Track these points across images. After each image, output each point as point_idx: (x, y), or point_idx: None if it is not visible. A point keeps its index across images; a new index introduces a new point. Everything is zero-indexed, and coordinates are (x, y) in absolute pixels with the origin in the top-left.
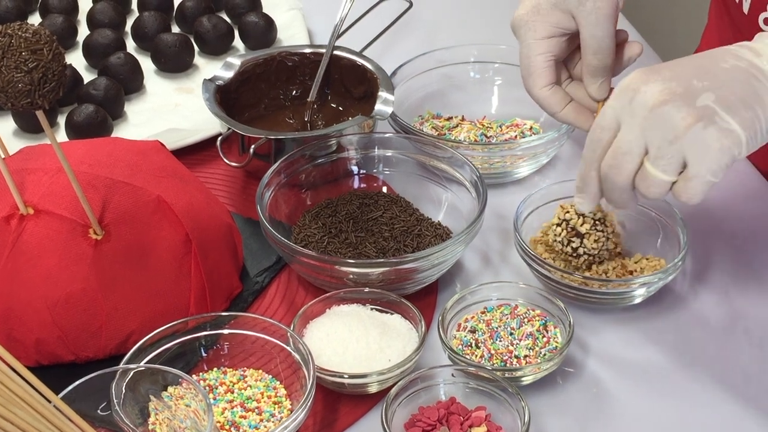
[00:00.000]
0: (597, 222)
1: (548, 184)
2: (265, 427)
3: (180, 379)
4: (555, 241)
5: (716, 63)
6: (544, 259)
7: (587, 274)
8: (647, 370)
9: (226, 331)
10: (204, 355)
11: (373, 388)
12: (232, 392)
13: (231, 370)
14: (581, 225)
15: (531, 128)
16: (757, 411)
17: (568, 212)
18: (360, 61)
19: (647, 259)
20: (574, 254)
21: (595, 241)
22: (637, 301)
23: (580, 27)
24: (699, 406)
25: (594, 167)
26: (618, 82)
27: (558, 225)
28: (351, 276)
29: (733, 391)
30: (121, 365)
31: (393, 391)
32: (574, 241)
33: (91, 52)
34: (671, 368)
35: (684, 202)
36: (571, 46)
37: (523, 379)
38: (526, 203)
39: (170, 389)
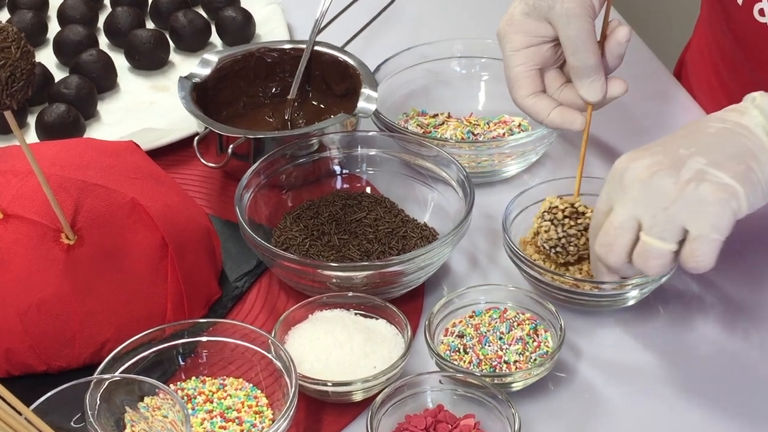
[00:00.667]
0: (578, 215)
1: (538, 182)
2: None
3: (157, 389)
4: (544, 239)
5: (701, 130)
6: (534, 260)
7: (578, 275)
8: (642, 374)
9: (204, 339)
10: (182, 363)
11: (358, 396)
12: (212, 402)
13: (210, 379)
14: (564, 219)
15: (519, 125)
16: (757, 415)
17: (554, 206)
18: (342, 56)
19: None
20: (562, 251)
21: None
22: (631, 303)
23: (557, 30)
24: (696, 411)
25: None
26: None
27: (543, 219)
28: (334, 280)
29: (731, 394)
30: (95, 375)
31: (378, 398)
32: (562, 238)
33: (61, 49)
34: (666, 372)
35: (695, 268)
36: (559, 51)
37: (513, 385)
38: (515, 203)
39: (147, 400)
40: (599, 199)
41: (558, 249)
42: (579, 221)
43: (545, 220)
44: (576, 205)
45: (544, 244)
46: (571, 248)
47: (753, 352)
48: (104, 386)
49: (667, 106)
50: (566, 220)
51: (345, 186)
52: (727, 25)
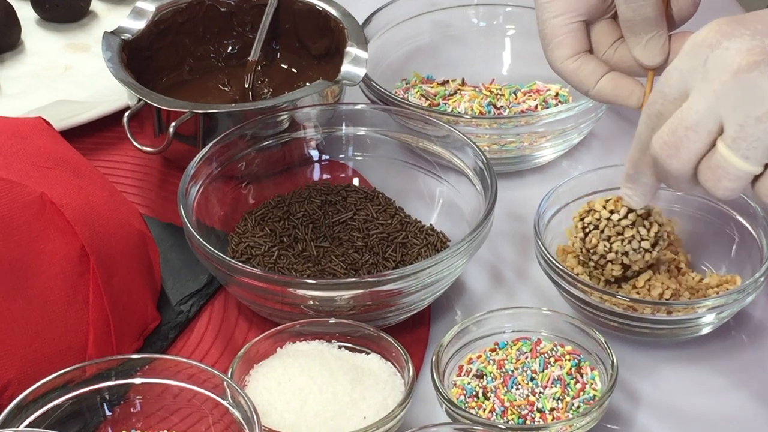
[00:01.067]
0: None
1: (581, 171)
2: None
3: None
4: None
5: None
6: (578, 275)
7: (635, 294)
8: (719, 424)
9: (138, 381)
10: (108, 413)
11: None
12: None
13: None
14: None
15: (557, 95)
16: None
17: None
18: (320, 4)
19: (716, 274)
20: (597, 261)
21: (626, 241)
22: (705, 331)
23: None
24: None
25: (649, 151)
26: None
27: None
28: (311, 302)
29: None
30: None
31: None
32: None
33: None
34: (752, 422)
35: None
36: None
37: None
38: (551, 198)
39: None
40: (666, 76)
41: (607, 260)
42: (641, 229)
43: (586, 225)
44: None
45: (591, 255)
46: (631, 258)
47: None
48: None
49: None
50: (619, 223)
51: (325, 177)
52: None
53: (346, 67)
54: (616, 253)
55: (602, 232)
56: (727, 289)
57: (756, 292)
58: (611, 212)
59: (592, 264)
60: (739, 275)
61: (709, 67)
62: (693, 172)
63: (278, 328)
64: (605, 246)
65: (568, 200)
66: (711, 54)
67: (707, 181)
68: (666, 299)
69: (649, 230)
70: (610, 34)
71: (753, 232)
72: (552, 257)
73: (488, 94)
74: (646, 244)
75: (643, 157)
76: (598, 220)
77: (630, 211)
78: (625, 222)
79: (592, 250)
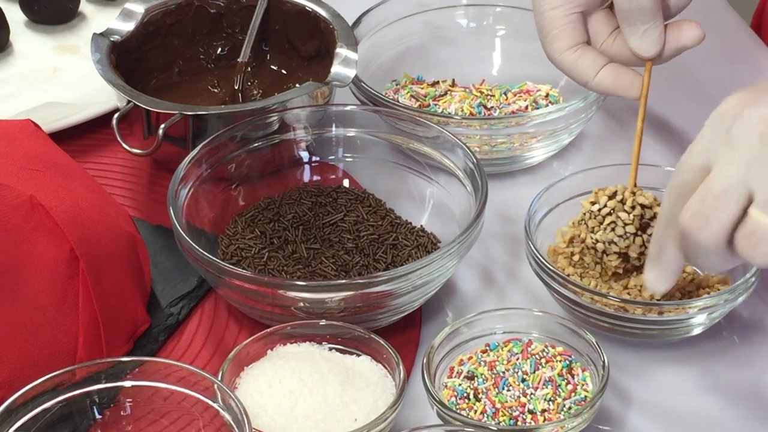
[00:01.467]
0: (642, 215)
1: (572, 172)
2: None
3: None
4: (589, 226)
5: None
6: (569, 275)
7: (626, 295)
8: (710, 425)
9: (128, 384)
10: (98, 416)
11: None
12: None
13: None
14: (619, 214)
15: (547, 95)
16: None
17: (595, 203)
18: (310, 5)
19: (707, 274)
20: (594, 256)
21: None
22: (696, 332)
23: None
24: None
25: (674, 225)
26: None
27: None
28: (301, 304)
29: None
30: None
31: None
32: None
33: None
34: (742, 423)
35: None
36: None
37: None
38: (542, 199)
39: None
40: (690, 151)
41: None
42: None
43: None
44: (637, 194)
45: (595, 245)
46: (619, 245)
47: None
48: None
49: (743, 68)
50: (599, 212)
51: (315, 178)
52: None
53: (336, 69)
54: (604, 243)
55: (587, 224)
56: (719, 290)
57: (747, 292)
58: (592, 203)
59: (594, 261)
60: (730, 275)
61: (733, 135)
62: (722, 244)
63: (268, 330)
64: (591, 238)
65: (559, 201)
66: (734, 123)
67: (744, 249)
68: (657, 300)
69: (630, 213)
70: (608, 24)
71: None
72: (543, 258)
73: (478, 94)
74: (630, 228)
75: (667, 231)
76: (584, 214)
77: (610, 198)
78: (605, 210)
79: (588, 246)
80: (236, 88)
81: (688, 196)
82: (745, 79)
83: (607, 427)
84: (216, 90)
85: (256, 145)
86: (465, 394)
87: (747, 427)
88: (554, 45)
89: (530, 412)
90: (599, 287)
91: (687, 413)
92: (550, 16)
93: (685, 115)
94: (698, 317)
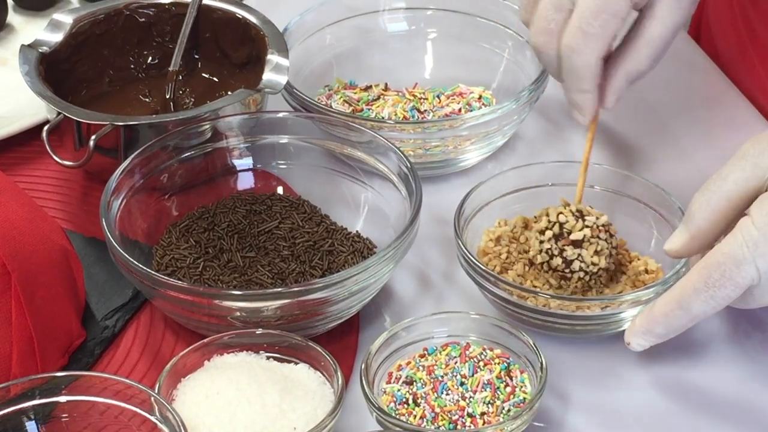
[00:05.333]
0: (600, 228)
1: (503, 170)
2: None
3: None
4: (541, 251)
5: None
6: (499, 273)
7: (557, 292)
8: (646, 421)
9: (63, 399)
10: None
11: None
12: None
13: None
14: (579, 230)
15: (480, 97)
16: None
17: (561, 213)
18: (240, 12)
19: (645, 257)
20: (567, 271)
21: (597, 253)
22: (627, 326)
23: None
24: None
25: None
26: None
27: (546, 229)
28: (238, 313)
29: None
30: None
31: None
32: (567, 252)
33: None
34: (679, 415)
35: None
36: None
37: None
38: (472, 198)
39: None
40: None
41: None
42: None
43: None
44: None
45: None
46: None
47: None
48: None
49: (683, 73)
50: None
51: (249, 186)
52: None
53: (268, 75)
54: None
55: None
56: (649, 283)
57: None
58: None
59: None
60: (662, 267)
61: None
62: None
63: (205, 340)
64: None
65: (489, 199)
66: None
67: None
68: (584, 295)
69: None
70: None
71: (670, 224)
72: (472, 257)
73: (411, 98)
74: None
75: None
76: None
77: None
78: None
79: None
80: (168, 97)
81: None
82: (685, 86)
83: (545, 425)
84: (147, 99)
85: (188, 154)
86: (404, 400)
87: (686, 419)
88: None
89: (469, 415)
90: (531, 284)
91: (626, 409)
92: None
93: (625, 120)
94: (629, 311)
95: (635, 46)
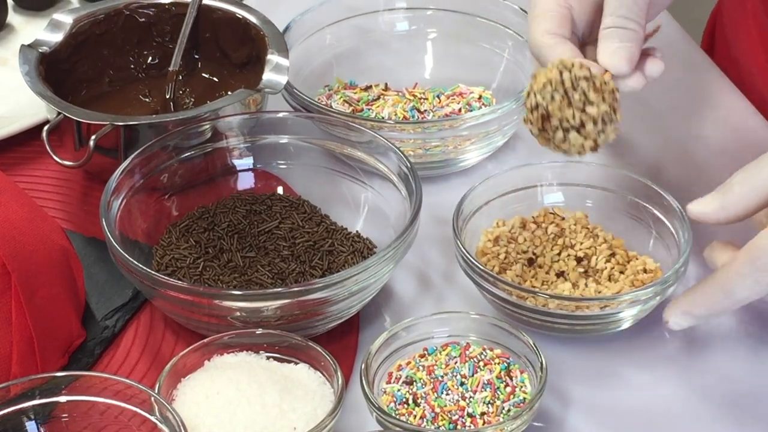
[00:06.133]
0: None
1: (503, 170)
2: None
3: None
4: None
5: None
6: (497, 274)
7: (544, 289)
8: (645, 420)
9: (63, 399)
10: None
11: None
12: None
13: None
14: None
15: (480, 97)
16: None
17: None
18: (240, 12)
19: (643, 257)
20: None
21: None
22: (626, 325)
23: None
24: None
25: None
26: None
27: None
28: (238, 313)
29: None
30: None
31: None
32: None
33: None
34: (680, 417)
35: None
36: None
37: None
38: (471, 198)
39: None
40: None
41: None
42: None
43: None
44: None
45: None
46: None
47: None
48: None
49: (686, 77)
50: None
51: (249, 186)
52: None
53: (268, 75)
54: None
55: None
56: (648, 282)
57: (676, 283)
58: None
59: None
60: (660, 266)
61: None
62: None
63: (205, 340)
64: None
65: (488, 199)
66: None
67: None
68: (582, 294)
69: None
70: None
71: (668, 224)
72: (471, 257)
73: (411, 98)
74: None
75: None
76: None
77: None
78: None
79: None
80: (168, 97)
81: None
82: (686, 90)
83: (545, 425)
84: (147, 99)
85: (188, 154)
86: (404, 400)
87: (687, 418)
88: (539, 26)
89: (469, 415)
90: (528, 284)
91: (626, 409)
92: (545, 3)
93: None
94: (628, 311)
95: None
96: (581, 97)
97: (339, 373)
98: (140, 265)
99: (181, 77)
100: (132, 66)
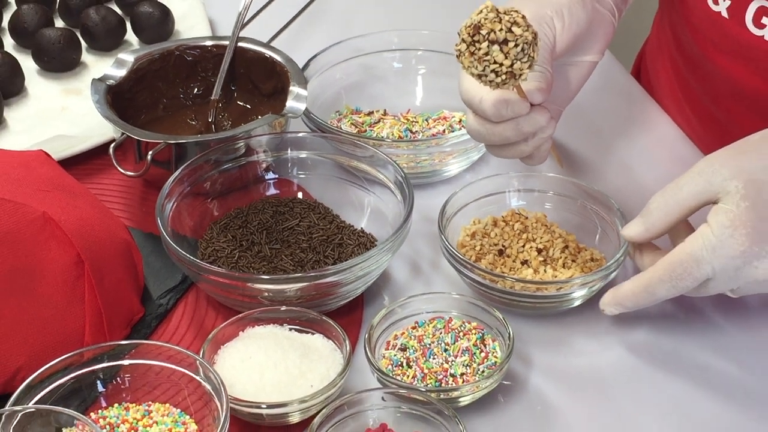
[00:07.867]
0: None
1: (478, 178)
2: None
3: (75, 420)
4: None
5: None
6: (475, 262)
7: (525, 275)
8: (594, 379)
9: (126, 362)
10: (102, 390)
11: (295, 418)
12: (136, 430)
13: (134, 405)
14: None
15: (460, 121)
16: (719, 418)
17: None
18: (268, 53)
19: (590, 249)
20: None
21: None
22: (577, 303)
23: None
24: (654, 416)
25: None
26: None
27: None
28: (266, 293)
29: (690, 396)
30: (7, 407)
31: (316, 420)
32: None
33: None
34: (622, 375)
35: None
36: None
37: (460, 399)
38: (452, 201)
39: (65, 431)
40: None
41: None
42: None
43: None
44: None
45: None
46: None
47: (707, 354)
48: (17, 419)
49: (625, 103)
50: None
51: (275, 192)
52: (683, 15)
53: (290, 103)
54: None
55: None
56: (591, 270)
57: (617, 269)
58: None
59: (494, 75)
60: (604, 256)
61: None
62: None
63: (240, 315)
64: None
65: (466, 202)
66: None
67: None
68: (541, 279)
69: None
70: None
71: (610, 222)
72: (453, 248)
73: (405, 121)
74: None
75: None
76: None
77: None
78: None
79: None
80: (210, 120)
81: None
82: (625, 114)
83: (513, 384)
84: (194, 122)
85: (226, 166)
86: (399, 363)
87: (623, 375)
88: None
89: (452, 375)
90: (498, 270)
91: (575, 370)
92: None
93: (576, 141)
94: (579, 291)
95: None
96: (510, 19)
97: (347, 342)
98: (188, 255)
99: (220, 105)
100: (181, 95)
